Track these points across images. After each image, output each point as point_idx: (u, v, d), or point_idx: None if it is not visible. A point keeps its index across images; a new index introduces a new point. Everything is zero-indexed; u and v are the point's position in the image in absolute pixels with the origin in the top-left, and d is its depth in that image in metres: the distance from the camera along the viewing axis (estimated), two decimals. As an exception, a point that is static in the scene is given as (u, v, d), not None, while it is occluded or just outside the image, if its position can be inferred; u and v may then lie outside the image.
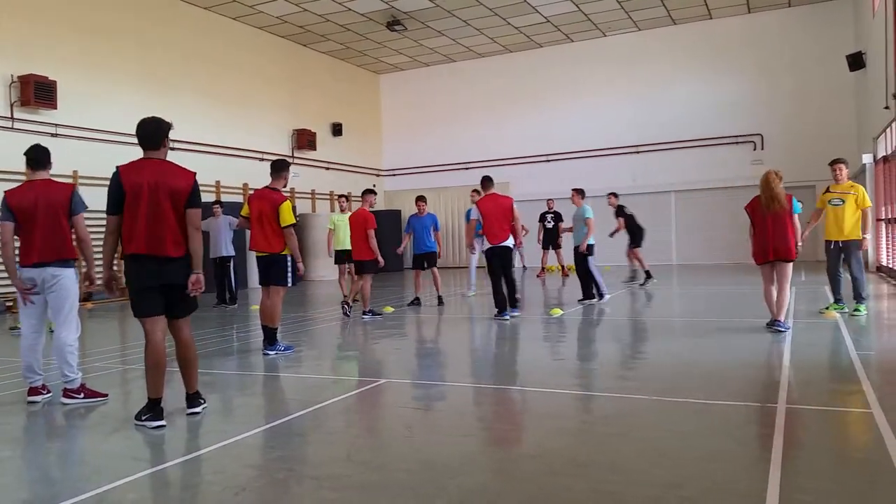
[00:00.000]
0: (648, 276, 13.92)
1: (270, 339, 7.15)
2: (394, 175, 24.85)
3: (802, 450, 3.69)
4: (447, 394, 5.34)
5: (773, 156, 19.50)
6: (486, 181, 9.72)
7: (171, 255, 4.41)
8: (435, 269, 11.56)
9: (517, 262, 21.35)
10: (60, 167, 13.77)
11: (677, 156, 20.87)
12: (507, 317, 9.16)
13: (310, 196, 21.13)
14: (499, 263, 9.28)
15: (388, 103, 25.12)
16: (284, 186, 7.29)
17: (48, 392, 5.36)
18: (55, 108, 13.65)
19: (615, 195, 13.58)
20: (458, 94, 23.74)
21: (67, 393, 5.21)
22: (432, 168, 23.95)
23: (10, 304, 12.66)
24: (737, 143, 20.22)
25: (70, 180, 14.04)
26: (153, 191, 4.38)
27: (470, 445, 3.89)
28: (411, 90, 24.52)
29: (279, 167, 7.19)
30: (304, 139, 20.61)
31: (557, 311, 9.70)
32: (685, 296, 12.51)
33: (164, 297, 4.50)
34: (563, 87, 22.27)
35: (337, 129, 22.38)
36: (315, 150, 21.10)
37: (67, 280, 5.17)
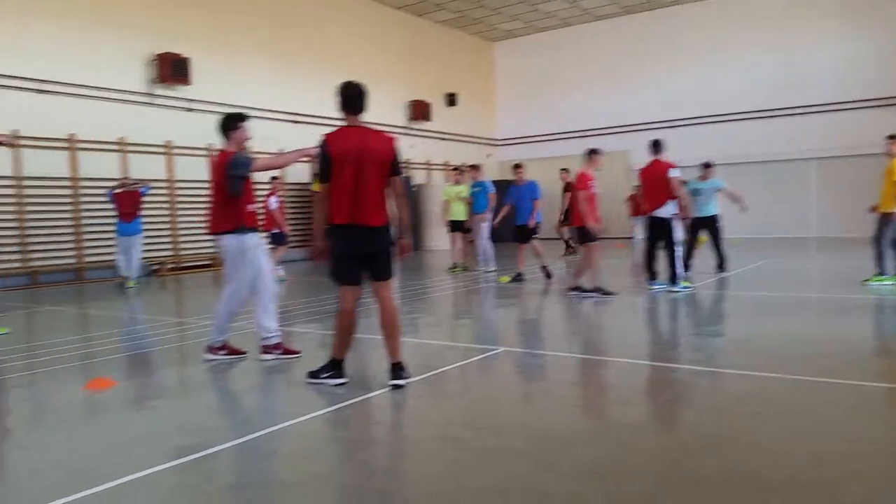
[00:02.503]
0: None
1: None
2: (509, 144, 24.67)
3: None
4: (566, 365, 5.30)
5: (928, 118, 17.72)
6: (653, 145, 9.03)
7: (373, 225, 4.42)
8: (535, 242, 10.73)
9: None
10: (195, 140, 14.76)
11: (818, 120, 19.25)
12: (656, 287, 8.88)
13: (425, 167, 21.40)
14: (653, 234, 8.92)
15: (503, 71, 24.85)
16: None
17: (278, 350, 5.54)
18: (189, 83, 14.51)
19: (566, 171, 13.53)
20: (575, 58, 23.10)
21: (211, 349, 5.54)
22: (549, 136, 23.52)
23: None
24: (888, 105, 18.43)
25: (205, 153, 14.96)
26: (358, 158, 4.36)
27: (591, 417, 3.85)
28: (526, 57, 24.11)
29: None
30: (419, 110, 20.81)
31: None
32: (818, 269, 11.70)
33: (364, 266, 4.55)
34: (688, 48, 21.14)
35: (451, 100, 22.44)
36: (430, 120, 21.28)
37: (230, 249, 5.32)
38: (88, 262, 13.12)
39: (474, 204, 12.38)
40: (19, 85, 12.16)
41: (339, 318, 4.61)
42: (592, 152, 8.97)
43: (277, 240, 11.88)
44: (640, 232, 20.07)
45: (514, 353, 5.68)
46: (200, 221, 15.11)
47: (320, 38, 17.93)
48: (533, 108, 23.95)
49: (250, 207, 5.40)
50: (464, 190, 12.81)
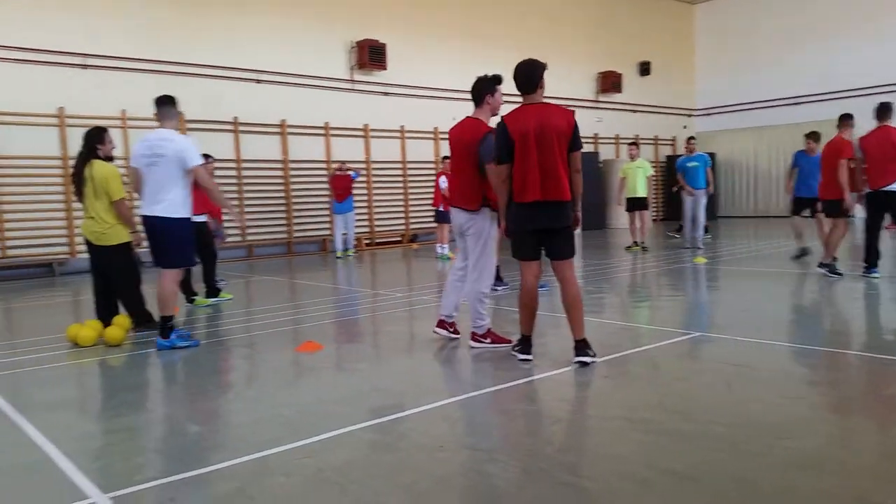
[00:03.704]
0: None
1: None
2: (708, 115, 23.11)
3: None
4: (771, 353, 4.87)
5: None
6: (880, 109, 7.92)
7: (565, 200, 4.36)
8: (819, 216, 9.39)
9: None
10: (389, 122, 15.50)
11: None
12: (876, 274, 7.81)
13: (613, 141, 20.73)
14: (881, 212, 7.81)
15: (704, 35, 23.18)
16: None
17: (455, 333, 5.35)
18: (385, 69, 15.21)
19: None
20: (786, 17, 20.85)
21: (475, 337, 5.14)
22: (754, 105, 21.60)
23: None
24: None
25: (397, 135, 15.67)
26: (540, 135, 4.31)
27: (800, 409, 3.52)
28: (731, 18, 22.26)
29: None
30: (610, 81, 20.14)
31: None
32: None
33: (542, 242, 4.51)
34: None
35: (644, 69, 21.43)
36: (620, 92, 20.52)
37: (475, 226, 5.03)
38: (297, 237, 14.37)
39: (694, 178, 11.87)
40: (239, 76, 13.51)
41: (522, 293, 4.65)
42: (848, 117, 8.24)
43: (443, 218, 12.07)
44: (859, 210, 17.89)
45: (712, 337, 5.34)
46: (393, 201, 15.91)
47: (508, 13, 17.91)
48: (738, 74, 22.01)
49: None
50: (645, 165, 12.36)
